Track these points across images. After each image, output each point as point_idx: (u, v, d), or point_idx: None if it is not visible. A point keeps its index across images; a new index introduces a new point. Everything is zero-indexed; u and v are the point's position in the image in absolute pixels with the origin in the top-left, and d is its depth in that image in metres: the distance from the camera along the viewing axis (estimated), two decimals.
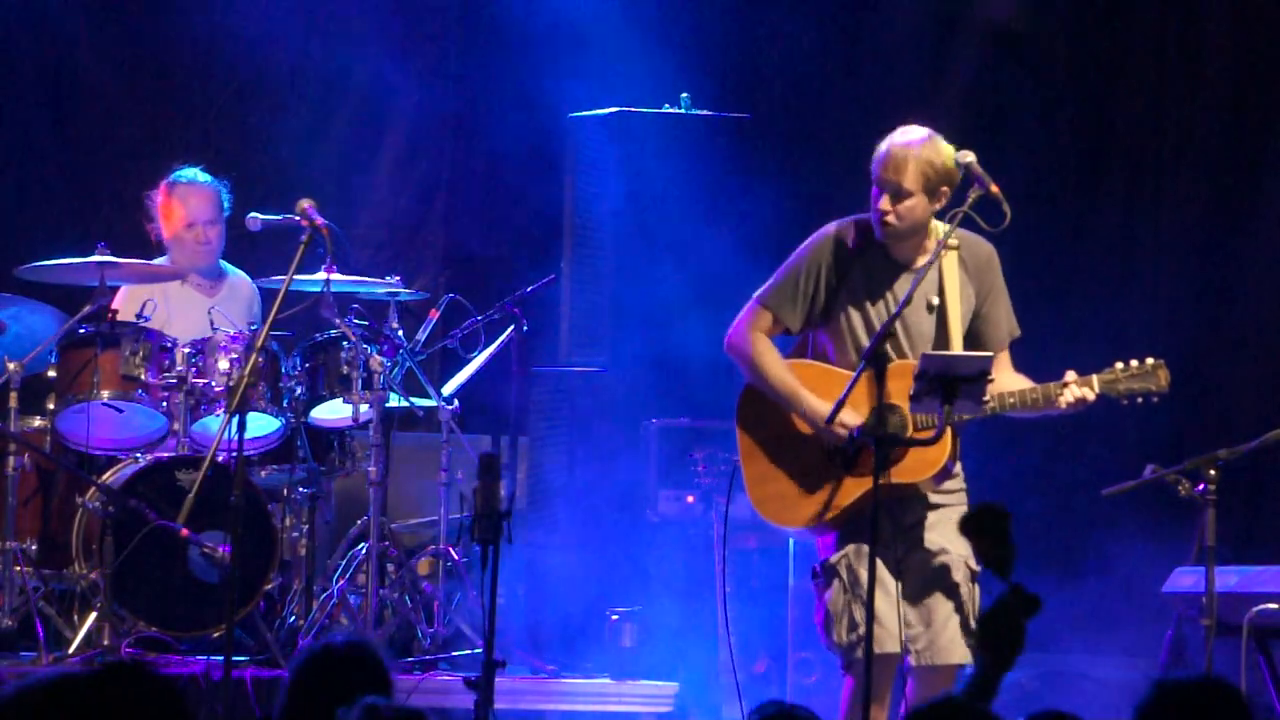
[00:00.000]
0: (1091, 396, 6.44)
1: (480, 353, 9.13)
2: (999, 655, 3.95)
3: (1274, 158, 9.71)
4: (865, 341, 6.48)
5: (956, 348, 6.53)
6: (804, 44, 10.01)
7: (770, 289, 6.64)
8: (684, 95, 9.27)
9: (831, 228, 6.65)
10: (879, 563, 6.32)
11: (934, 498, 6.56)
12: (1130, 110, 9.96)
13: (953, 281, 6.56)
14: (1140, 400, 6.47)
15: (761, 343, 6.61)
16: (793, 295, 6.59)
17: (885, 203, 6.49)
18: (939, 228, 6.57)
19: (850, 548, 6.50)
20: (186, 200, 8.95)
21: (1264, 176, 9.73)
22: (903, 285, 6.53)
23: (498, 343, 9.07)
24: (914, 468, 6.41)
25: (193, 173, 9.01)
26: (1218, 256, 9.79)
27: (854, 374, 6.37)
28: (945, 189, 6.50)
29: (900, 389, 6.35)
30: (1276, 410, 8.51)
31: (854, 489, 6.46)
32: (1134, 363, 6.47)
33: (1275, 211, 9.69)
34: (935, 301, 6.56)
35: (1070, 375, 6.46)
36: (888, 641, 6.41)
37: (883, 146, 6.52)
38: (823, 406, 6.44)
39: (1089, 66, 10.00)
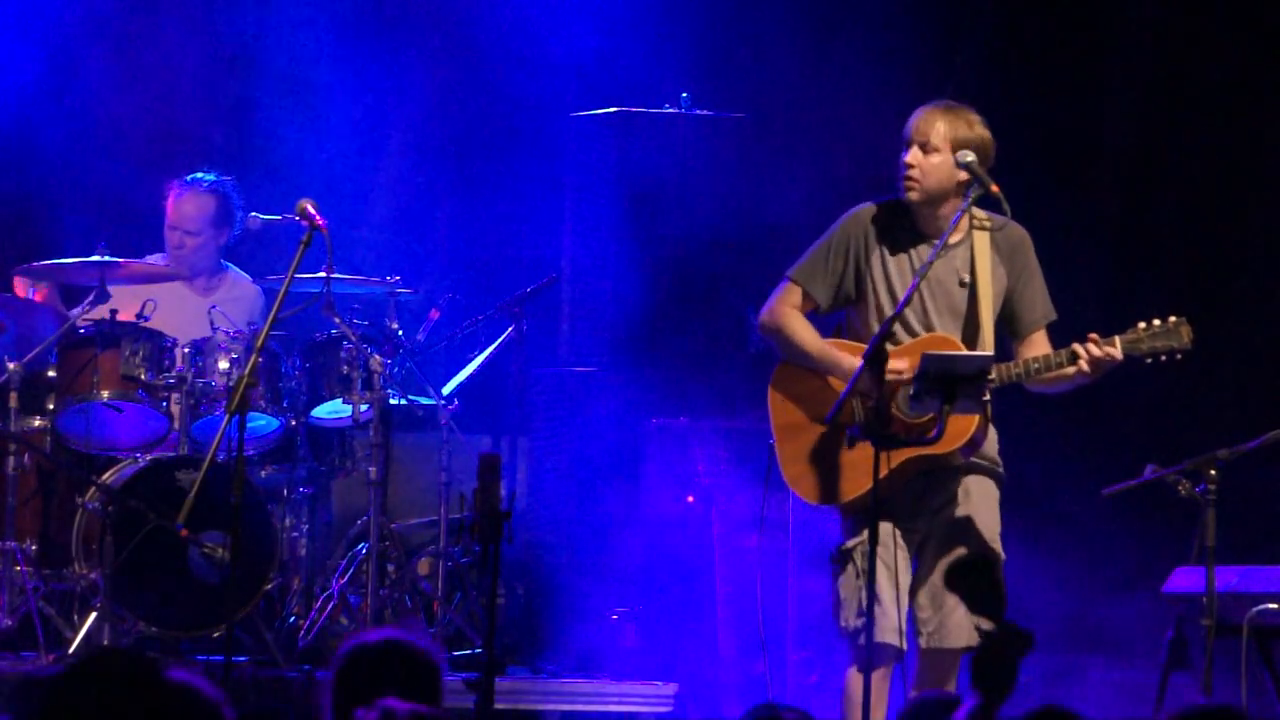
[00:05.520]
0: (1118, 354, 6.45)
1: (480, 353, 9.13)
2: (990, 693, 3.95)
3: (1275, 153, 9.71)
4: None
5: (987, 325, 6.57)
6: (804, 43, 10.00)
7: (800, 266, 6.73)
8: (684, 95, 9.27)
9: (861, 206, 6.73)
10: (891, 553, 6.37)
11: (964, 475, 6.58)
12: (1128, 108, 9.96)
13: (984, 261, 6.60)
14: (1164, 359, 6.49)
15: (794, 316, 6.68)
16: (822, 272, 6.67)
17: (912, 155, 6.55)
18: (976, 212, 6.60)
19: (867, 533, 6.50)
20: (178, 203, 8.99)
21: (1264, 173, 9.73)
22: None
23: (498, 343, 9.08)
24: (943, 439, 6.42)
25: (199, 177, 9.02)
26: (1217, 254, 9.79)
27: (856, 368, 6.39)
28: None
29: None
30: (1276, 410, 8.51)
31: (883, 466, 6.43)
32: (1156, 321, 6.50)
33: (1276, 209, 9.68)
34: (967, 279, 6.61)
35: (1093, 337, 6.48)
36: (888, 633, 6.44)
37: (918, 108, 6.63)
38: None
39: (1085, 60, 9.99)
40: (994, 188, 6.47)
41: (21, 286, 8.72)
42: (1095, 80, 9.98)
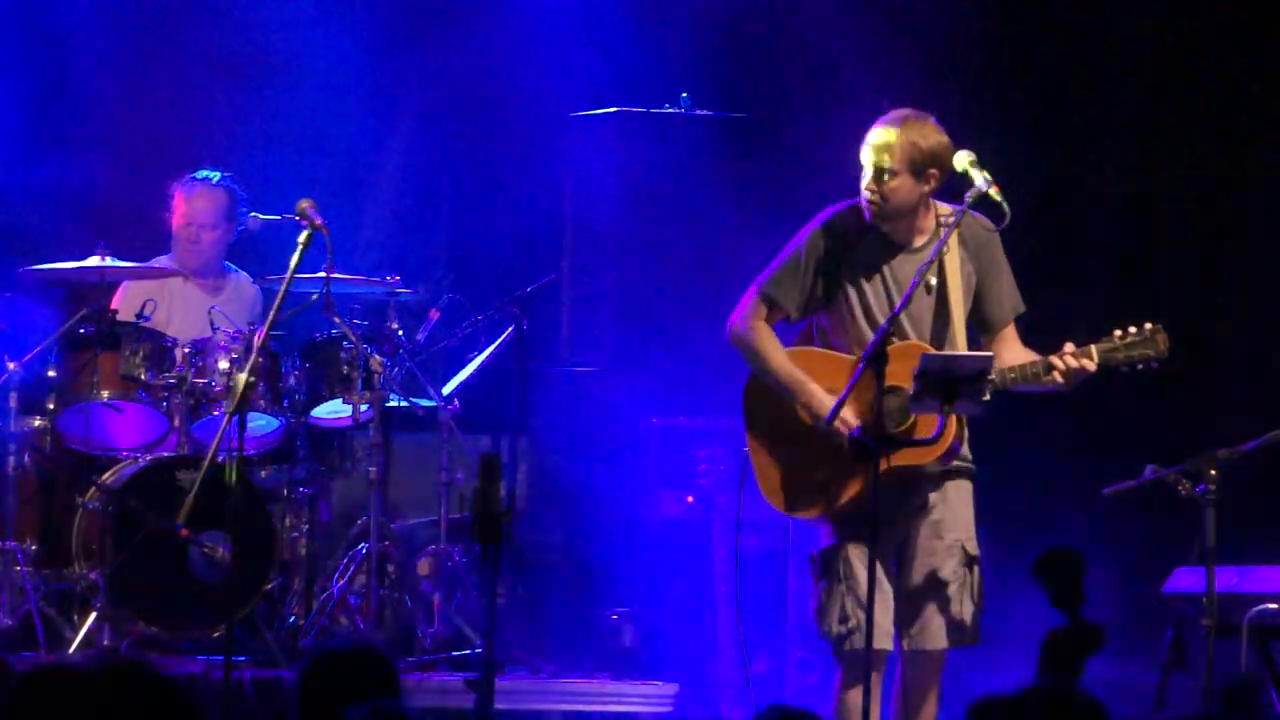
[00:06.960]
0: (1092, 367, 6.40)
1: (480, 353, 9.13)
2: (1058, 677, 3.97)
3: (1274, 154, 9.70)
4: (863, 325, 6.49)
5: (958, 326, 6.52)
6: (805, 43, 10.00)
7: (769, 277, 6.64)
8: (684, 95, 9.27)
9: (828, 212, 6.65)
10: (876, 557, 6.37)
11: (940, 479, 6.55)
12: (1127, 109, 9.96)
13: (951, 260, 6.54)
14: (1141, 367, 6.44)
15: (763, 332, 6.60)
16: (790, 282, 6.59)
17: (870, 182, 6.49)
18: (940, 207, 6.57)
19: (846, 538, 6.50)
20: (190, 199, 8.99)
21: (1264, 173, 9.72)
22: (900, 266, 6.52)
23: (498, 343, 9.07)
24: (920, 450, 6.41)
25: (207, 174, 9.02)
26: (1217, 253, 9.78)
27: (856, 367, 6.37)
28: (933, 171, 6.47)
29: (901, 371, 6.34)
30: (1277, 410, 8.51)
31: (862, 478, 6.44)
32: (1132, 329, 6.43)
33: (1275, 208, 9.68)
34: (933, 282, 6.54)
35: (1069, 347, 6.44)
36: (881, 638, 6.44)
37: (871, 127, 6.54)
38: (824, 399, 6.43)
39: (1088, 60, 9.99)
40: (994, 188, 6.44)
41: None
42: (1095, 85, 9.98)
